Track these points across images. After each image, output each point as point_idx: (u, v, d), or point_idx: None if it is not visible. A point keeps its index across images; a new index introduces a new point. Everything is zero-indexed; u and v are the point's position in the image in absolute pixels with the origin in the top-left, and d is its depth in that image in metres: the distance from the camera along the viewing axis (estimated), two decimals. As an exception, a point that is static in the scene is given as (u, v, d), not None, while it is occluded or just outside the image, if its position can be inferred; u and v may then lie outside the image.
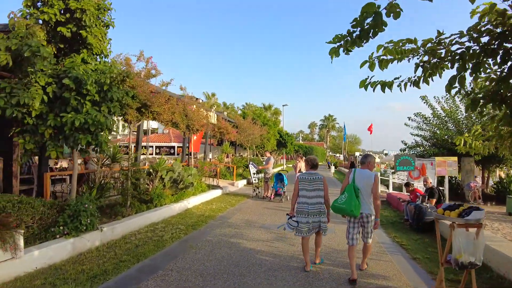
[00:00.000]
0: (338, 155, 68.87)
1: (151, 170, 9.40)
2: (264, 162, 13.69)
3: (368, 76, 3.56)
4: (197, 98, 14.67)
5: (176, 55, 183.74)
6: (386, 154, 51.45)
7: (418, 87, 3.43)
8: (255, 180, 12.41)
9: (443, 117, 16.87)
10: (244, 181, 16.51)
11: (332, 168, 29.03)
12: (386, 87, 3.59)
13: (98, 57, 7.17)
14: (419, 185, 12.22)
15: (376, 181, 4.50)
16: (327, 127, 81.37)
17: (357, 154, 46.06)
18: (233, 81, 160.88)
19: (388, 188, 14.71)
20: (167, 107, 8.90)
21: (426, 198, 7.68)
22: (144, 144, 30.62)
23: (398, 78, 3.59)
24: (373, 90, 3.59)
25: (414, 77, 3.49)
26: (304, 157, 11.48)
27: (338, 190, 5.48)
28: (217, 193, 12.37)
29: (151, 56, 8.88)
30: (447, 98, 16.85)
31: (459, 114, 16.43)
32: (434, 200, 7.63)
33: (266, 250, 5.80)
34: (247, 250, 5.76)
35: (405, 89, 3.53)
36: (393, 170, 19.19)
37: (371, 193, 4.49)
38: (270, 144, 28.75)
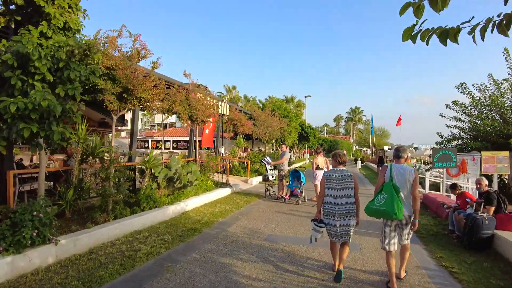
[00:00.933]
0: (365, 149, 65.87)
1: (143, 167, 8.13)
2: (266, 158, 12.14)
3: (417, 21, 2.29)
4: (206, 87, 13.31)
5: (196, 48, 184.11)
6: (416, 149, 48.25)
7: (506, 34, 2.07)
8: (270, 177, 10.93)
9: (485, 106, 14.49)
10: (260, 178, 15.04)
11: (359, 163, 26.94)
12: (448, 38, 2.24)
13: (66, 32, 5.89)
14: (464, 186, 10.30)
15: (416, 177, 4.00)
16: (353, 119, 77.98)
17: (385, 148, 43.38)
18: (255, 74, 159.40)
19: (423, 187, 12.77)
20: (155, 92, 7.52)
21: (482, 206, 5.87)
22: (159, 138, 30.02)
23: (468, 21, 2.15)
24: (426, 43, 2.34)
25: (500, 16, 2.04)
26: (322, 152, 9.89)
27: (365, 188, 3.96)
28: (225, 192, 10.99)
29: (139, 34, 7.56)
30: (486, 85, 14.52)
31: (507, 101, 14.04)
32: (492, 208, 5.81)
33: (266, 279, 4.32)
34: (238, 281, 4.30)
35: (483, 38, 2.14)
36: (429, 166, 17.07)
37: (410, 191, 3.99)
38: (291, 138, 27.07)
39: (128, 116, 16.50)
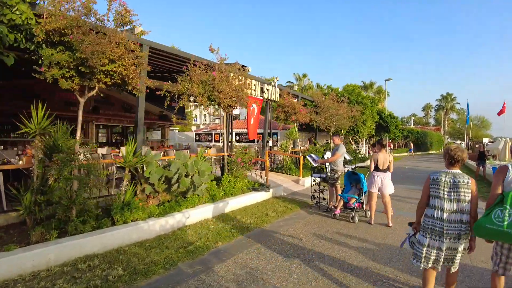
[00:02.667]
0: (458, 142, 56.44)
1: (137, 166, 6.07)
2: (327, 154, 9.09)
3: None
4: (243, 66, 10.89)
5: (261, 38, 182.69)
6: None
7: None
8: (315, 180, 8.16)
9: None
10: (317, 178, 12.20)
11: (452, 159, 21.77)
12: None
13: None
14: None
15: None
16: (444, 108, 67.67)
17: (485, 140, 35.71)
18: (333, 63, 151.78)
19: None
20: (129, 62, 5.23)
21: None
22: (221, 131, 28.71)
23: None
24: None
25: None
26: (384, 146, 6.77)
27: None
28: (259, 197, 8.51)
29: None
30: None
31: None
32: None
33: None
34: None
35: None
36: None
37: None
38: (367, 128, 23.19)
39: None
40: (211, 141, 29.11)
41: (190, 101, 8.38)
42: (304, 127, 20.62)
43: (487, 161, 15.26)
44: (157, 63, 9.38)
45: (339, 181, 7.60)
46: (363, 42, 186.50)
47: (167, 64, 9.64)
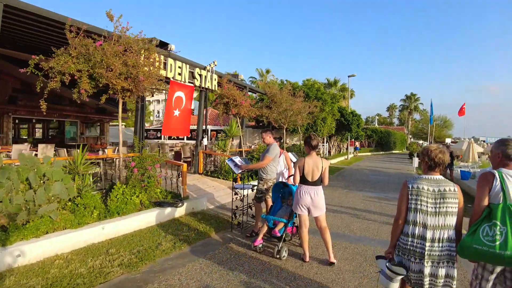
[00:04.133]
0: (421, 142, 57.09)
1: None
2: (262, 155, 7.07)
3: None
4: (163, 42, 8.48)
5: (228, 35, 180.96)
6: (483, 141, 39.46)
7: None
8: (237, 193, 5.97)
9: None
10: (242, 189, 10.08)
11: (415, 159, 20.27)
12: None
13: None
14: None
15: None
16: (408, 108, 68.44)
17: (447, 140, 35.56)
18: (299, 59, 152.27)
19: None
20: None
21: None
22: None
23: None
24: None
25: None
26: (313, 147, 4.67)
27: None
28: (164, 215, 6.21)
29: None
30: None
31: None
32: None
33: None
34: None
35: None
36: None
37: None
38: (326, 127, 21.43)
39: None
40: (160, 138, 26.40)
41: (64, 82, 5.89)
42: (261, 124, 18.55)
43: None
44: (26, 31, 6.81)
45: (269, 195, 5.41)
46: (330, 40, 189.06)
47: (40, 34, 7.09)
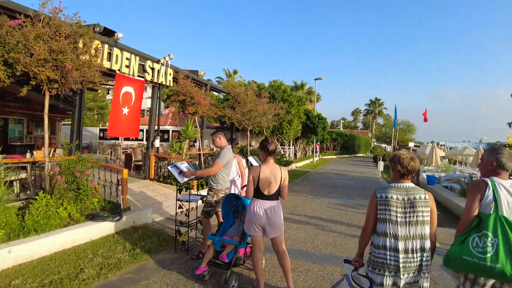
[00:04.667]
0: (384, 145, 58.71)
1: None
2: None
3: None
4: (108, 29, 7.38)
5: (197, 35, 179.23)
6: (443, 145, 41.12)
7: None
8: (181, 206, 5.04)
9: None
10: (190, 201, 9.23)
11: (381, 164, 20.22)
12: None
13: None
14: None
15: None
16: (373, 112, 70.32)
17: (410, 144, 36.57)
18: (266, 61, 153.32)
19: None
20: None
21: None
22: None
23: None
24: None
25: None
26: (270, 152, 3.80)
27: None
28: (99, 230, 5.19)
29: None
30: None
31: None
32: None
33: None
34: None
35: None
36: None
37: None
38: (292, 129, 20.92)
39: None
40: (117, 138, 24.61)
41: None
42: (225, 125, 17.63)
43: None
44: None
45: (217, 207, 4.55)
46: (300, 43, 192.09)
47: None
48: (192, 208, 5.16)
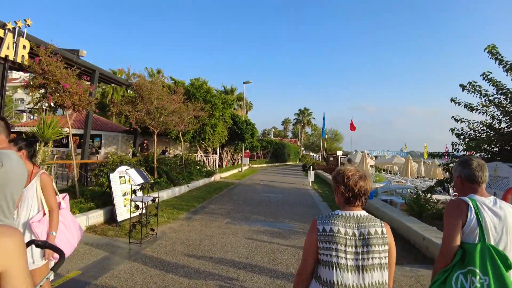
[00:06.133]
0: (312, 154, 59.79)
1: None
2: None
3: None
4: None
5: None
6: (368, 154, 42.72)
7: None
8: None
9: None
10: (100, 213, 6.37)
11: (311, 173, 18.77)
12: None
13: None
14: None
15: None
16: (302, 122, 71.74)
17: (339, 153, 36.92)
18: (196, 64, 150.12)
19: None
20: None
21: None
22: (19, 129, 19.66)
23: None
24: None
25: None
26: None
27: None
28: None
29: None
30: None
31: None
32: None
33: None
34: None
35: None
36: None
37: None
38: (217, 135, 18.51)
39: None
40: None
41: None
42: (132, 129, 14.43)
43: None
44: None
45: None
46: (234, 48, 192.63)
47: None
48: None
